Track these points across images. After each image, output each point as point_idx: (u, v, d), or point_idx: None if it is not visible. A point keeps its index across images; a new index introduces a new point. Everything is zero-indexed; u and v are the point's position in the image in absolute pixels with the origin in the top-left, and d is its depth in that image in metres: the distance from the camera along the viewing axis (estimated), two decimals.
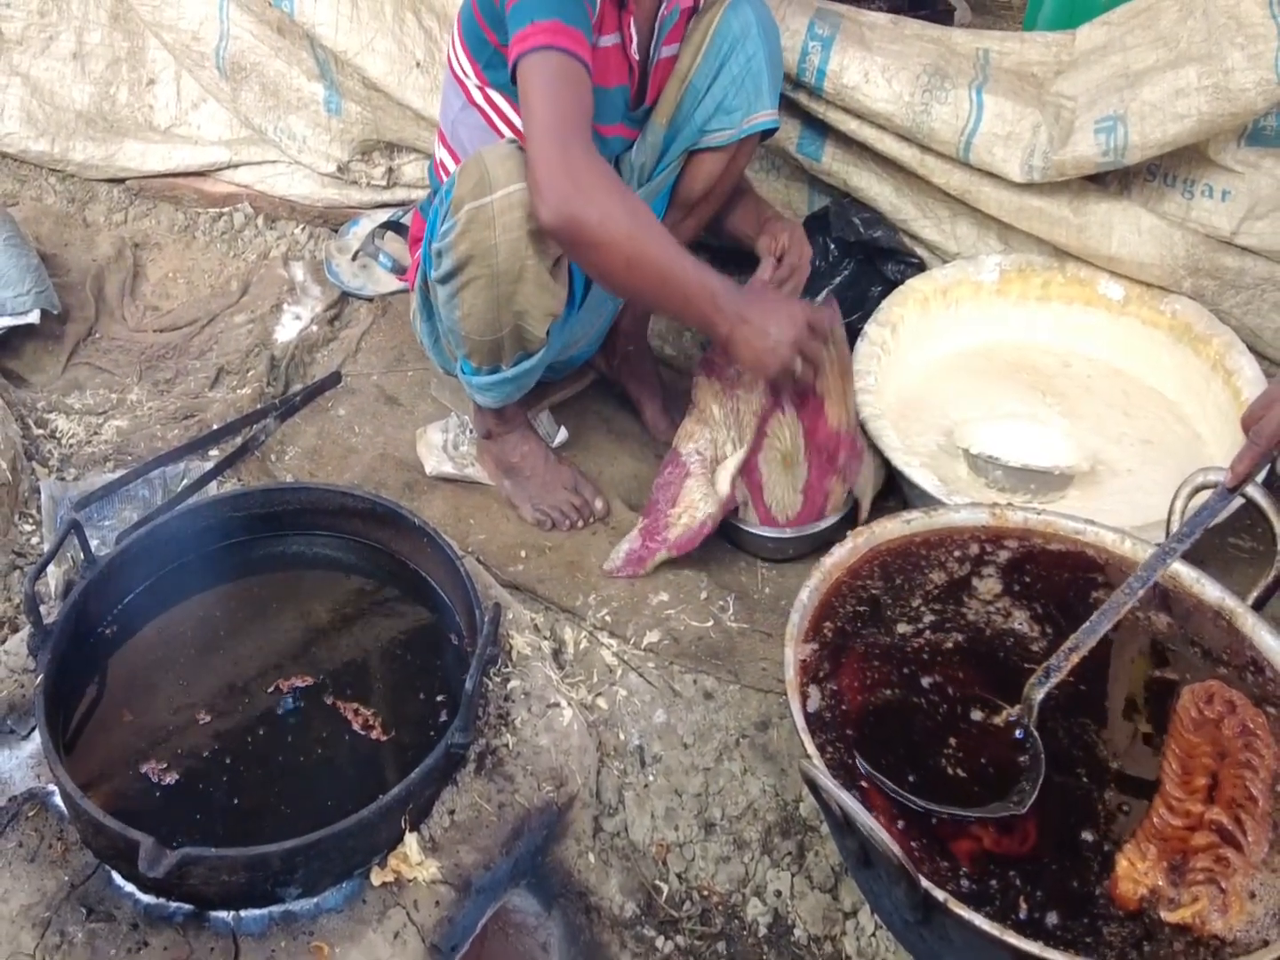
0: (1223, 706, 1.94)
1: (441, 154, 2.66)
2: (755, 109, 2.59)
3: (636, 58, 2.48)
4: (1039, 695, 1.94)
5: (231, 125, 3.70)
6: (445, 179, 2.62)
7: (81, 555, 2.23)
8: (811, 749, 1.87)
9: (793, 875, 2.14)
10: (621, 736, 2.31)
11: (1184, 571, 2.17)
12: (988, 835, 1.83)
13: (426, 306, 2.59)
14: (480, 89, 2.47)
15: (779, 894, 2.13)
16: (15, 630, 2.36)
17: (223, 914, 1.86)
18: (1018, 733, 1.94)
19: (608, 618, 2.51)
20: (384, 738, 2.08)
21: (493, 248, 2.26)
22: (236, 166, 3.69)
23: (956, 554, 2.24)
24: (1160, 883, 1.79)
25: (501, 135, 2.44)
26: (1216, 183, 2.72)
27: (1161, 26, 2.70)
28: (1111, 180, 2.86)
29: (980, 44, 2.95)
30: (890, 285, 3.03)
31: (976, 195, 2.92)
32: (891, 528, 2.26)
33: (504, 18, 2.22)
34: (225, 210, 3.67)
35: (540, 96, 2.14)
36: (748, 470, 2.60)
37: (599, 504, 2.74)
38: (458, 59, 2.50)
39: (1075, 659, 1.96)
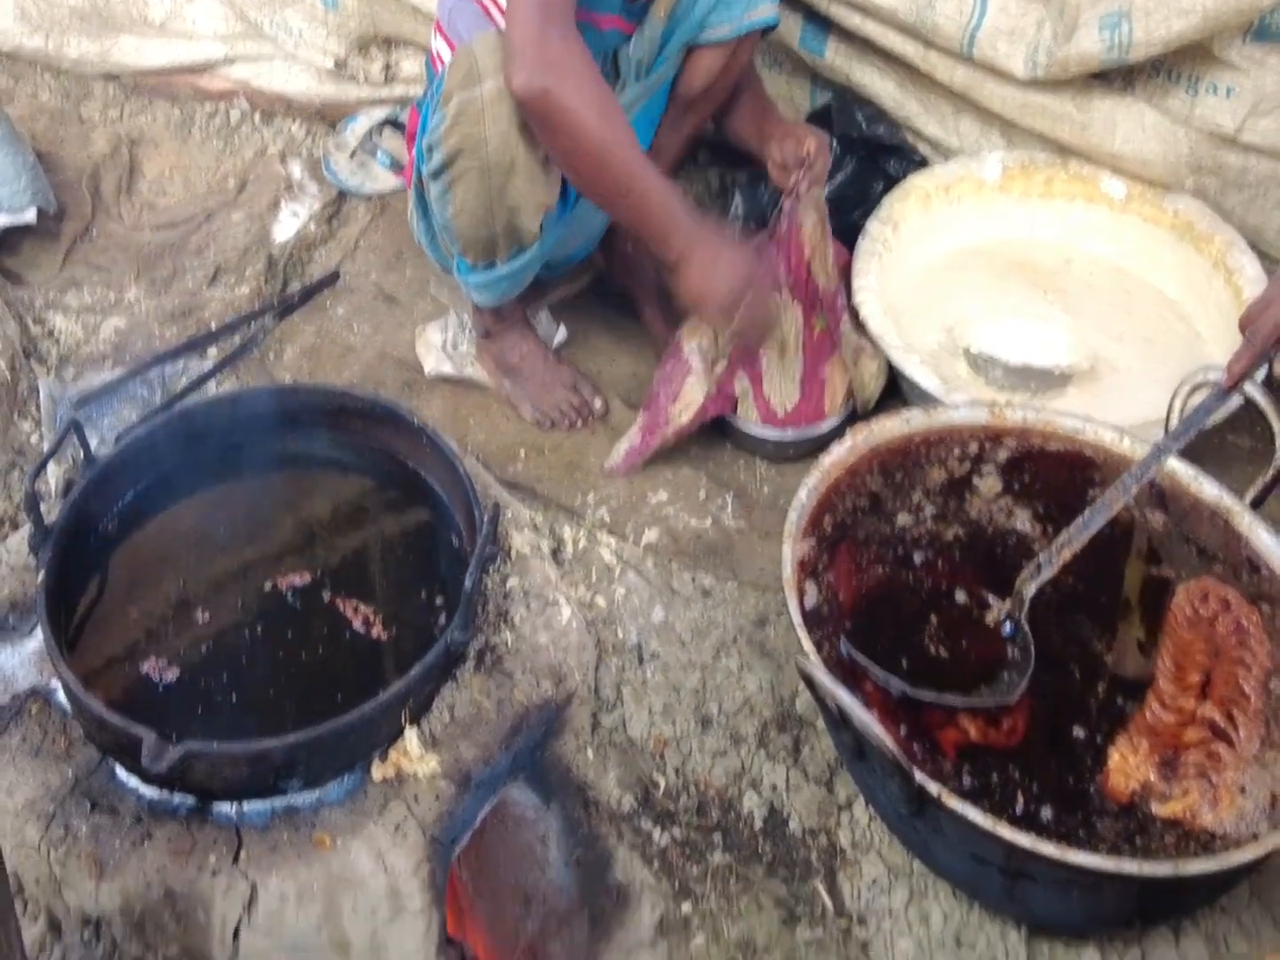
0: (1217, 604, 1.96)
1: (438, 45, 2.62)
2: (755, 4, 2.55)
3: None
4: (1030, 590, 1.96)
5: (227, 19, 3.63)
6: (441, 69, 2.59)
7: (81, 454, 2.23)
8: (808, 645, 1.89)
9: (788, 769, 2.17)
10: (620, 634, 2.33)
11: (1181, 470, 2.17)
12: (976, 727, 1.85)
13: (422, 204, 2.57)
14: None
15: (775, 787, 2.15)
16: (16, 528, 2.38)
17: (226, 807, 1.90)
18: (1007, 627, 1.96)
19: (606, 517, 2.52)
20: (384, 635, 2.09)
21: (483, 140, 2.23)
22: (232, 62, 3.62)
23: (957, 452, 2.24)
24: (1152, 777, 1.81)
25: (499, 25, 2.41)
26: (1221, 80, 2.67)
27: None
28: (1116, 77, 2.81)
29: None
30: (892, 182, 2.99)
31: (980, 92, 2.88)
32: (890, 426, 2.26)
33: None
34: (221, 106, 3.62)
35: None
36: (748, 361, 2.59)
37: (598, 403, 2.73)
38: None
39: (1067, 555, 1.97)
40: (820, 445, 2.45)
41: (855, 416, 2.67)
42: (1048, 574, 1.96)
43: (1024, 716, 1.86)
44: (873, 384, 2.69)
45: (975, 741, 1.84)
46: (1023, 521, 2.15)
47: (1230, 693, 1.88)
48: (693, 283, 2.30)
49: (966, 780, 1.82)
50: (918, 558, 2.12)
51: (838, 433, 2.51)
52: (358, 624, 2.11)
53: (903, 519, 2.16)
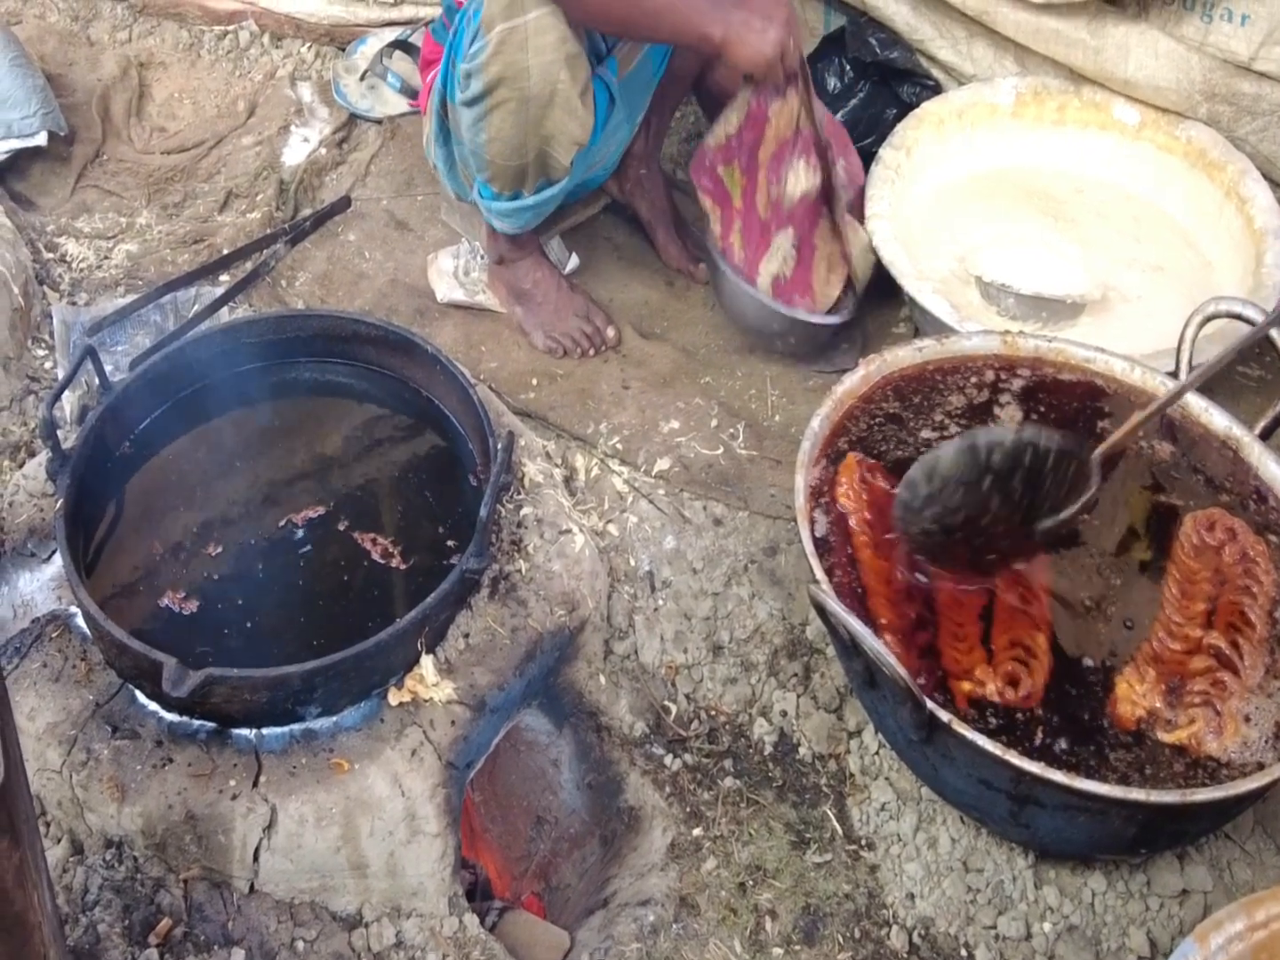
0: (1224, 534, 1.98)
1: None
2: None
3: None
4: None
5: None
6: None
7: (96, 381, 2.25)
8: (820, 574, 1.91)
9: (798, 696, 2.20)
10: (632, 562, 2.35)
11: (1192, 400, 2.18)
12: (994, 682, 1.86)
13: (443, 132, 2.56)
14: None
15: (785, 714, 2.18)
16: (32, 455, 2.39)
17: (245, 731, 1.92)
18: None
19: (618, 445, 2.53)
20: (400, 564, 2.11)
21: (525, 70, 2.24)
22: None
23: (974, 380, 2.25)
24: (1158, 704, 1.84)
25: None
26: (1236, 6, 2.64)
27: None
28: (1130, 3, 2.79)
29: None
30: (906, 108, 2.98)
31: (994, 16, 2.86)
32: (904, 355, 2.27)
33: None
34: (230, 28, 3.59)
35: None
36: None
37: (610, 332, 2.74)
38: None
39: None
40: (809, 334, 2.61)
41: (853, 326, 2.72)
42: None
43: (1042, 678, 1.87)
44: (862, 260, 2.71)
45: (990, 699, 1.85)
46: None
47: (1235, 621, 1.90)
48: (749, 45, 2.36)
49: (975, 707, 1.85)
50: None
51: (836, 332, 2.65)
52: (374, 552, 2.13)
53: (925, 434, 2.17)
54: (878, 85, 3.06)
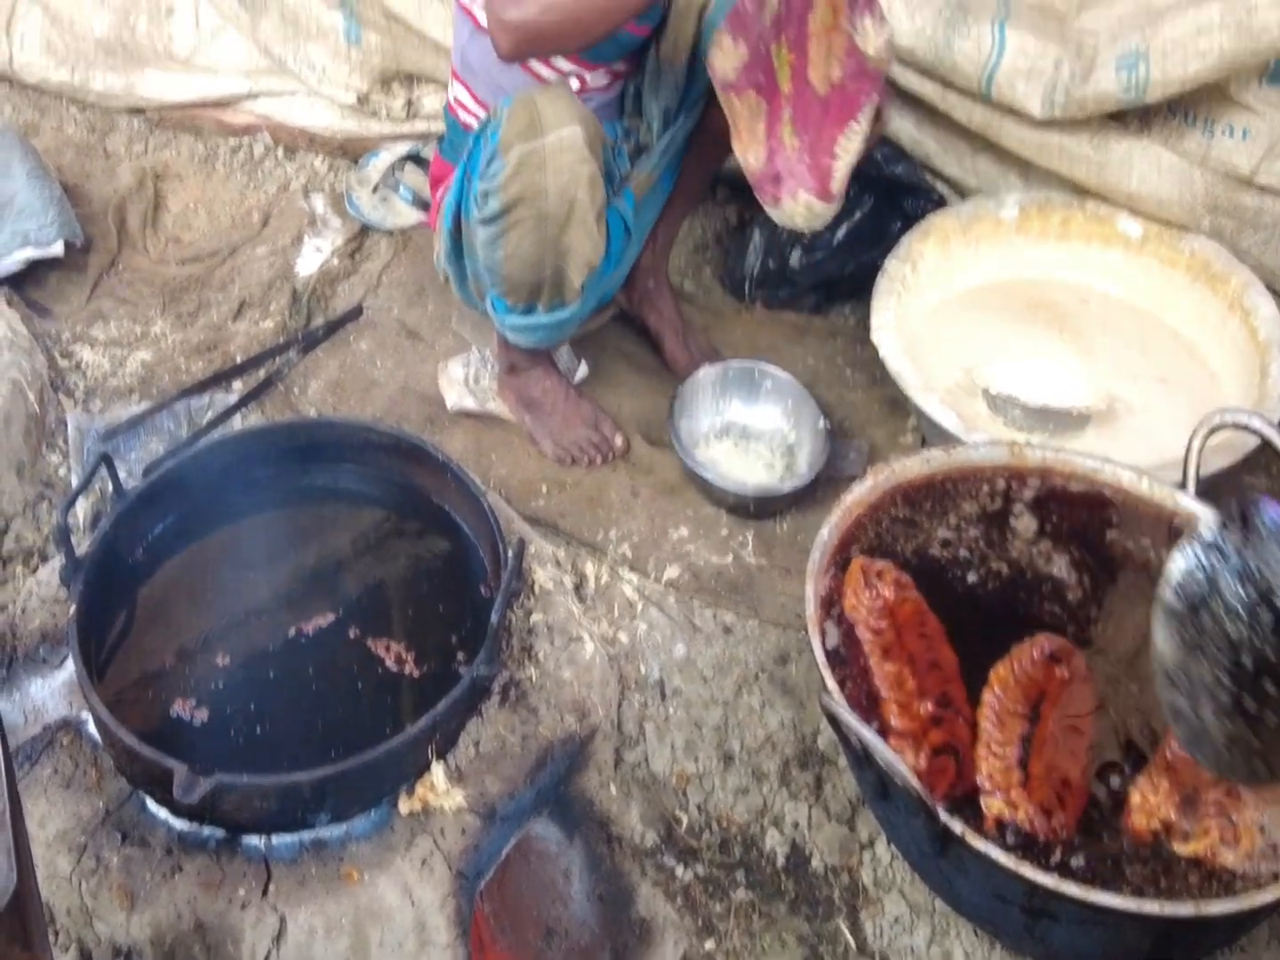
0: None
1: (456, 90, 2.66)
2: None
3: None
4: None
5: (250, 55, 3.67)
6: (461, 115, 2.63)
7: (110, 487, 2.26)
8: (832, 684, 1.91)
9: (810, 806, 2.18)
10: (642, 670, 2.35)
11: (1200, 511, 2.18)
12: (1029, 819, 1.85)
13: (455, 248, 2.59)
14: None
15: (796, 825, 2.17)
16: (45, 560, 2.40)
17: (255, 839, 1.91)
18: None
19: (628, 552, 2.54)
20: (410, 671, 2.12)
21: (543, 190, 2.27)
22: (256, 97, 3.66)
23: (985, 488, 2.26)
24: (1172, 815, 1.82)
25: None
26: (1237, 122, 2.70)
27: None
28: (1132, 119, 2.85)
29: None
30: (910, 221, 3.02)
31: (998, 131, 2.91)
32: (912, 465, 2.28)
33: None
34: (245, 141, 3.65)
35: None
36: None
37: (619, 440, 2.76)
38: None
39: None
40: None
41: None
42: None
43: (1075, 813, 1.85)
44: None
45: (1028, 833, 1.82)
46: (1063, 569, 2.18)
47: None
48: None
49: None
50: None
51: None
52: (384, 659, 2.13)
53: (942, 533, 2.20)
54: (882, 199, 3.10)
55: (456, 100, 2.66)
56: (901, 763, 1.71)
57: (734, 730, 2.29)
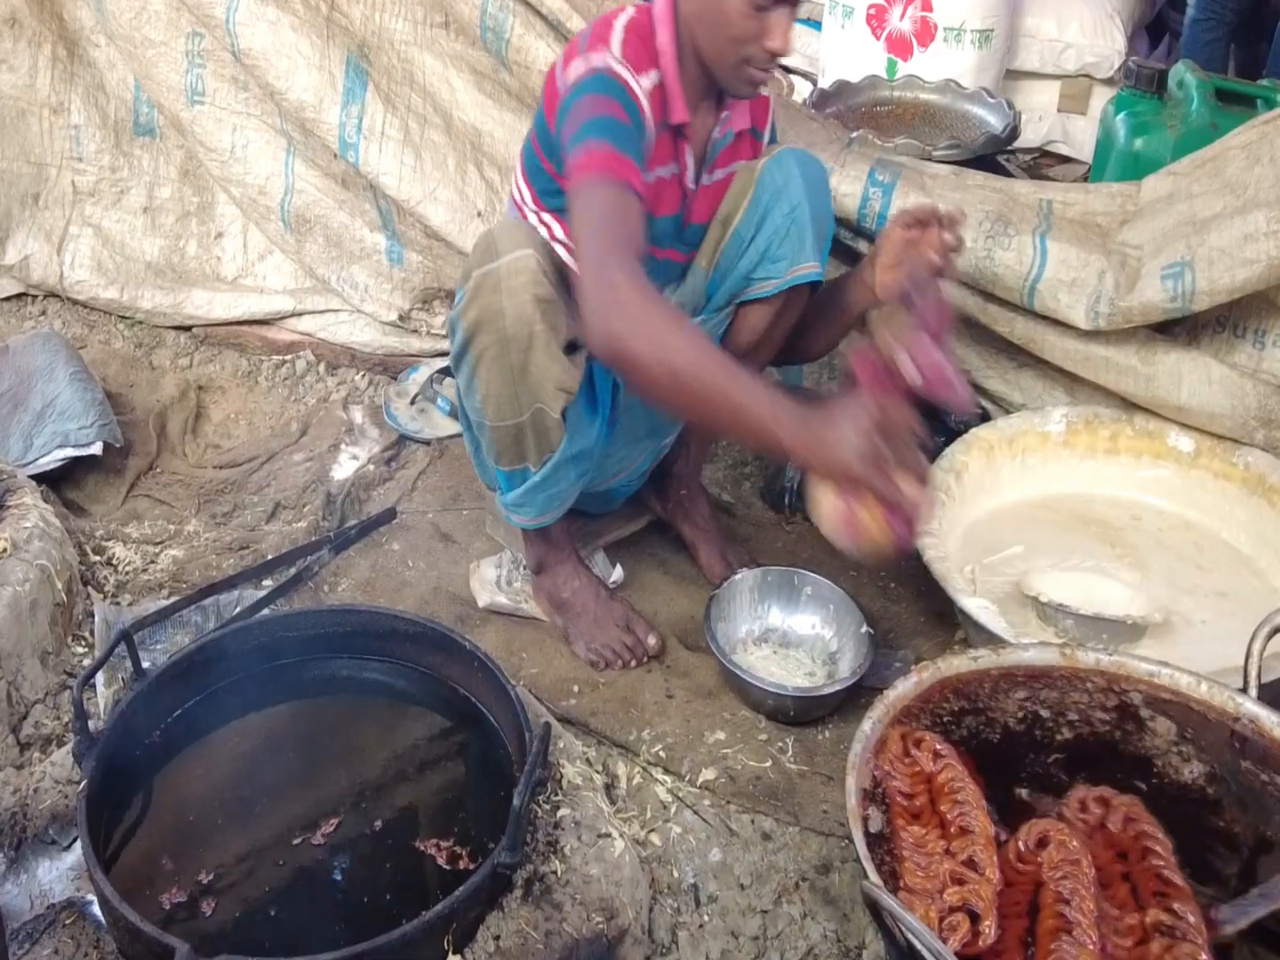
0: (1098, 806, 1.93)
1: None
2: (799, 260, 2.52)
3: (692, 187, 2.50)
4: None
5: (296, 275, 3.75)
6: None
7: (132, 672, 2.21)
8: (872, 872, 1.79)
9: None
10: (675, 874, 2.22)
11: (1263, 714, 2.09)
12: None
13: (472, 438, 2.59)
14: (536, 212, 2.50)
15: None
16: (62, 747, 2.32)
17: None
18: None
19: (662, 753, 2.44)
20: (434, 860, 2.01)
21: (500, 311, 2.26)
22: (300, 315, 3.73)
23: (1041, 691, 2.18)
24: None
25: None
26: None
27: (1228, 174, 2.70)
28: (1180, 331, 2.84)
29: (1043, 194, 2.95)
30: (953, 435, 2.99)
31: (1041, 344, 2.90)
32: (958, 663, 2.20)
33: (560, 148, 2.25)
34: (288, 358, 3.70)
35: (589, 228, 2.08)
36: None
37: (652, 640, 2.68)
38: (518, 188, 2.55)
39: None
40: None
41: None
42: None
43: None
44: None
45: None
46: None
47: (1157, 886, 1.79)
48: (820, 448, 1.96)
49: None
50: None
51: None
52: (403, 847, 2.03)
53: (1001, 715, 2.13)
54: (924, 414, 3.07)
55: None
56: (950, 952, 1.59)
57: (773, 942, 2.15)
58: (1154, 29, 5.57)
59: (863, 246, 3.03)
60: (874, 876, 1.78)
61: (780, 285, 2.55)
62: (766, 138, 2.66)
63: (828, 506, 2.04)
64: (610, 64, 2.25)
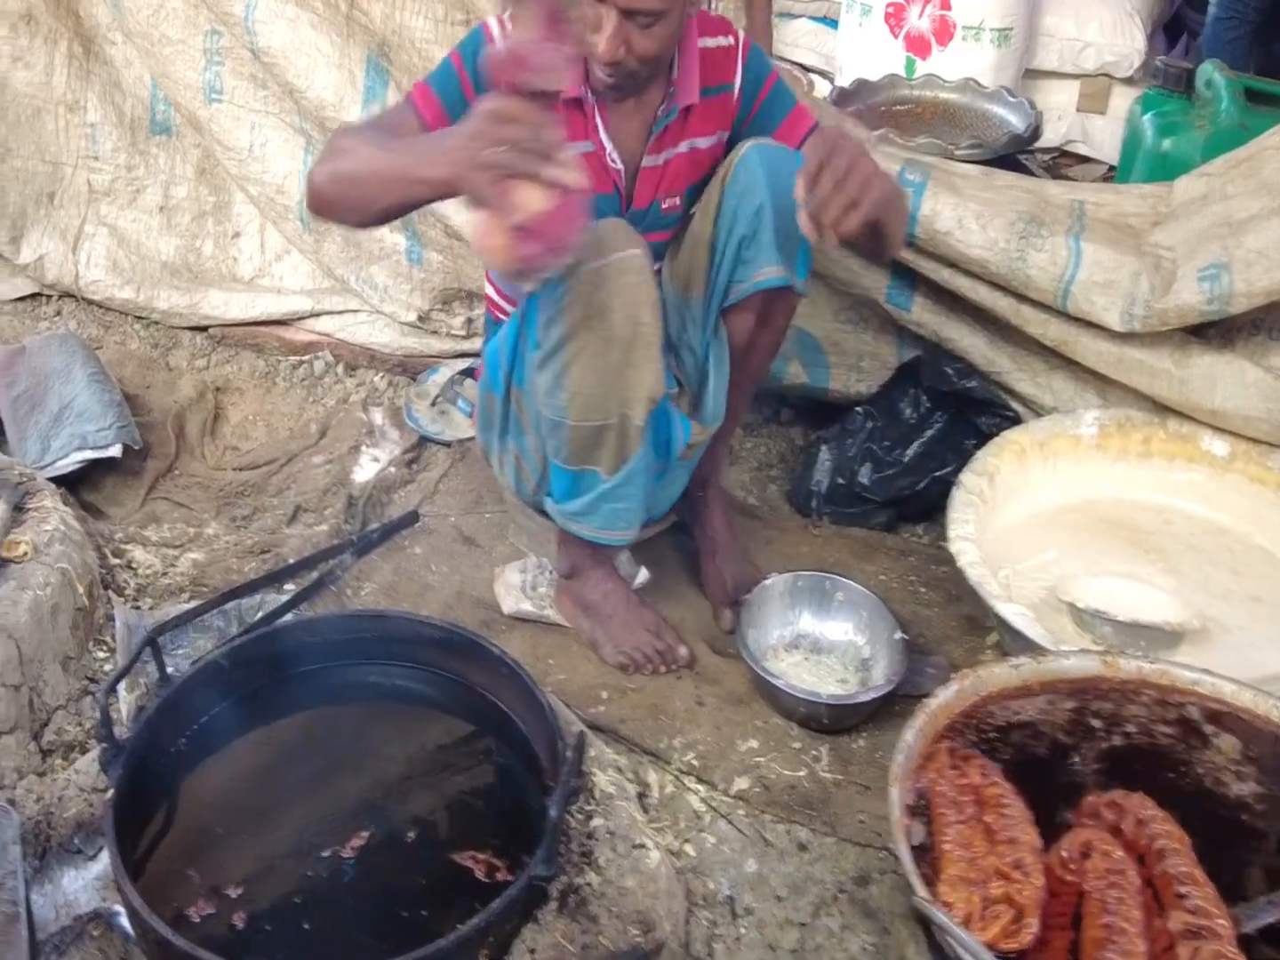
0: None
1: (490, 289, 2.67)
2: (762, 264, 2.44)
3: (618, 168, 2.44)
4: None
5: (314, 275, 3.71)
6: (500, 316, 2.63)
7: (157, 677, 2.18)
8: (921, 888, 1.75)
9: None
10: (711, 885, 2.18)
11: None
12: None
13: (503, 433, 2.56)
14: None
15: None
16: (85, 753, 2.28)
17: None
18: None
19: (694, 762, 2.40)
20: (468, 872, 1.97)
21: (607, 309, 2.21)
22: (318, 315, 3.69)
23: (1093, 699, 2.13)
24: None
25: None
26: None
27: (1264, 175, 2.66)
28: (1213, 334, 2.80)
29: (1075, 195, 2.91)
30: (984, 438, 2.94)
31: (1074, 346, 2.86)
32: (999, 673, 2.15)
33: None
34: (306, 358, 3.66)
35: None
36: None
37: (683, 650, 2.63)
38: None
39: None
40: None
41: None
42: None
43: None
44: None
45: None
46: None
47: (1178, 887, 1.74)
48: (445, 177, 1.95)
49: None
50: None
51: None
52: (434, 859, 2.00)
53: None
54: (955, 416, 3.05)
55: (491, 299, 2.66)
56: None
57: (811, 955, 2.10)
58: (1171, 28, 5.53)
59: None
60: (922, 891, 1.73)
61: (749, 289, 2.48)
62: (738, 83, 2.49)
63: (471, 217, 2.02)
64: (489, 21, 2.32)
